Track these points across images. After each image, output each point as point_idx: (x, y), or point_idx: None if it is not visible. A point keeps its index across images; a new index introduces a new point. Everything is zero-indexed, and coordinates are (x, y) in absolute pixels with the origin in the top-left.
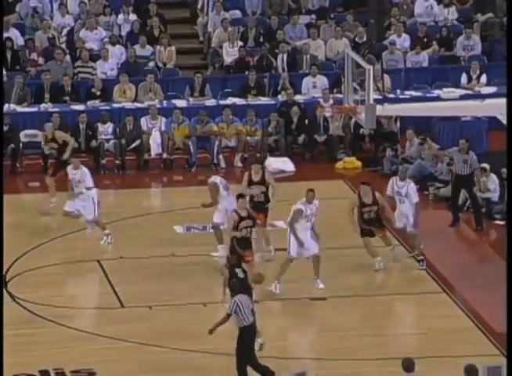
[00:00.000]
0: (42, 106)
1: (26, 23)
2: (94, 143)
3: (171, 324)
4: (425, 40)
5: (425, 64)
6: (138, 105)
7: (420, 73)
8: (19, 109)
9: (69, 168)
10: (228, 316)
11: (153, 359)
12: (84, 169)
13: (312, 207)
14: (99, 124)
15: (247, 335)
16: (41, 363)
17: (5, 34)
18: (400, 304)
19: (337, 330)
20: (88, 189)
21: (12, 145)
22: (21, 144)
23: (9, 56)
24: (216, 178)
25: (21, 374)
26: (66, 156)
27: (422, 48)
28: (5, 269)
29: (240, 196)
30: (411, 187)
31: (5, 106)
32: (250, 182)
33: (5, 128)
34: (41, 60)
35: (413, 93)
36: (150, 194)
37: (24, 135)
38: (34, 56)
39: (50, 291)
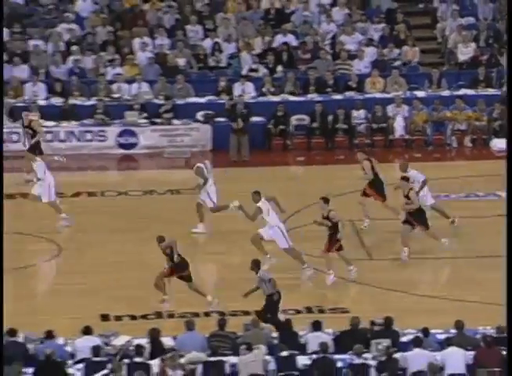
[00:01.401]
0: (309, 96)
1: (298, 30)
2: (349, 126)
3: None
4: None
5: None
6: (386, 95)
7: None
8: (291, 98)
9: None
10: (257, 288)
11: (390, 301)
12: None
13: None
14: (354, 111)
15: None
16: (305, 300)
17: (283, 39)
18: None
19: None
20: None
21: (282, 126)
22: (291, 127)
23: (285, 56)
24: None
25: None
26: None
27: None
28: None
29: (323, 199)
30: None
31: (281, 96)
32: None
33: (280, 114)
34: (309, 59)
35: None
36: (395, 168)
37: (295, 119)
38: (304, 56)
39: (307, 245)
